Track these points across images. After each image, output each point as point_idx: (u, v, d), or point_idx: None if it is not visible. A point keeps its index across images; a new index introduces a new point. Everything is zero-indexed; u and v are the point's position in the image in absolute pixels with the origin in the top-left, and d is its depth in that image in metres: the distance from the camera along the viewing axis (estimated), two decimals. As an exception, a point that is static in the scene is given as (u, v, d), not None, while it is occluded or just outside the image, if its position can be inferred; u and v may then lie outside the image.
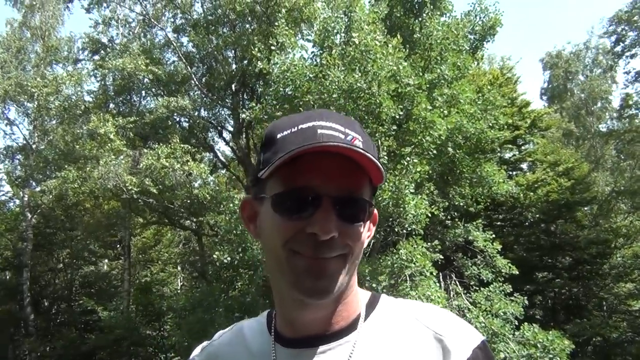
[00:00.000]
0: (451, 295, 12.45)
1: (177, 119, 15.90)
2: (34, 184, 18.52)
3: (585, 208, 19.57)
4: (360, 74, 10.16)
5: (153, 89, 16.35)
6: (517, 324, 11.63)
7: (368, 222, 0.98)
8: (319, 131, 0.88)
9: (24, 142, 19.23)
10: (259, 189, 0.97)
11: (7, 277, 20.24)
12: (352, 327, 0.99)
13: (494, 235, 13.35)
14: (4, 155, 19.43)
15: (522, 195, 16.88)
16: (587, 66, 31.47)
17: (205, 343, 1.14)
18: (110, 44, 16.76)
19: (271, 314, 1.08)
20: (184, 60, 15.77)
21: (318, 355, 0.97)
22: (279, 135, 0.92)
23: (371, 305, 1.04)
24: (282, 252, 0.92)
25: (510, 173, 18.96)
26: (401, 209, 9.87)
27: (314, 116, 0.92)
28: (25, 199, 19.00)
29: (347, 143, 0.87)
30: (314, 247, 0.89)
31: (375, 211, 1.03)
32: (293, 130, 0.91)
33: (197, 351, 1.13)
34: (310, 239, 0.89)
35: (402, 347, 0.95)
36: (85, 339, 17.53)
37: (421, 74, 11.35)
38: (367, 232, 0.99)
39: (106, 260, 22.53)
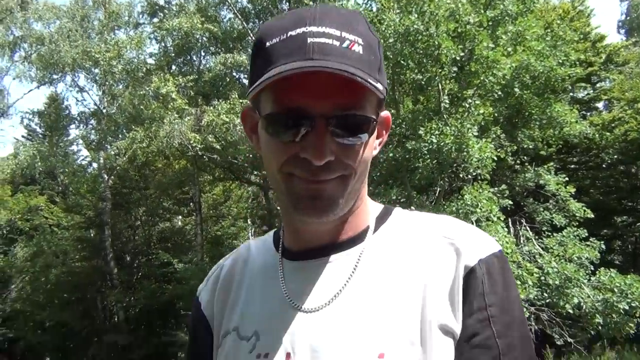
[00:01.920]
0: (521, 241, 12.10)
1: (236, 76, 16.01)
2: (108, 147, 19.43)
3: (669, 146, 18.20)
4: (416, 16, 9.76)
5: (211, 48, 16.48)
6: (592, 269, 11.18)
7: (374, 134, 0.90)
8: (309, 40, 0.79)
9: (95, 107, 20.08)
10: (254, 101, 0.91)
11: (92, 235, 21.60)
12: (359, 238, 0.95)
13: (567, 179, 12.74)
14: (78, 121, 20.42)
15: (597, 135, 15.91)
16: (671, -8, 28.71)
17: (211, 271, 1.12)
18: (167, 5, 16.92)
19: (278, 233, 1.05)
20: (240, 17, 15.70)
21: (324, 265, 0.93)
22: (268, 44, 0.84)
23: (382, 219, 0.98)
24: (278, 175, 0.87)
25: (585, 113, 17.90)
26: (465, 153, 9.56)
27: (305, 19, 0.82)
28: (102, 161, 20.00)
29: (339, 54, 0.79)
30: (309, 171, 0.83)
31: (388, 114, 0.96)
32: (282, 37, 0.82)
33: (203, 284, 1.12)
34: (305, 162, 0.83)
35: (411, 253, 0.90)
36: (164, 290, 18.58)
37: (482, 11, 10.74)
38: (373, 142, 0.92)
39: (180, 217, 23.52)
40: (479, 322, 0.83)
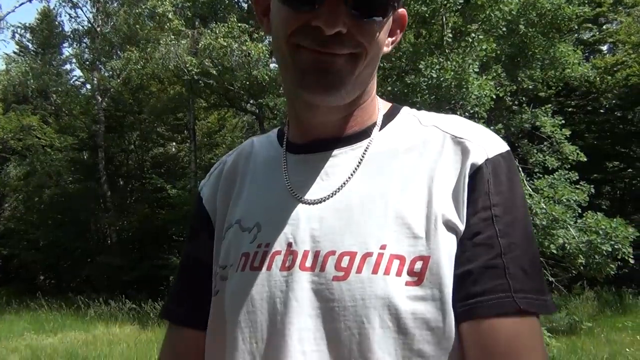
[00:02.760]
0: (512, 182, 12.17)
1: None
2: (102, 67, 19.00)
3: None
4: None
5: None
6: (580, 212, 11.34)
7: (389, 22, 0.88)
8: None
9: (89, 25, 19.46)
10: None
11: (85, 157, 21.55)
12: (365, 133, 0.94)
13: (563, 121, 12.70)
14: (71, 39, 19.82)
15: (598, 79, 15.73)
16: None
17: (214, 166, 1.11)
18: None
19: (282, 129, 1.04)
20: None
21: (328, 158, 0.93)
22: None
23: (389, 116, 0.97)
24: (285, 46, 0.84)
25: (588, 55, 17.61)
26: (464, 89, 9.44)
27: None
28: (95, 82, 19.64)
29: None
30: (319, 40, 0.80)
31: (404, 11, 0.94)
32: None
33: (205, 179, 1.10)
34: (316, 32, 0.80)
35: (417, 151, 0.89)
36: (157, 214, 18.78)
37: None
38: (386, 34, 0.89)
39: (174, 143, 23.46)
40: (482, 221, 0.82)
